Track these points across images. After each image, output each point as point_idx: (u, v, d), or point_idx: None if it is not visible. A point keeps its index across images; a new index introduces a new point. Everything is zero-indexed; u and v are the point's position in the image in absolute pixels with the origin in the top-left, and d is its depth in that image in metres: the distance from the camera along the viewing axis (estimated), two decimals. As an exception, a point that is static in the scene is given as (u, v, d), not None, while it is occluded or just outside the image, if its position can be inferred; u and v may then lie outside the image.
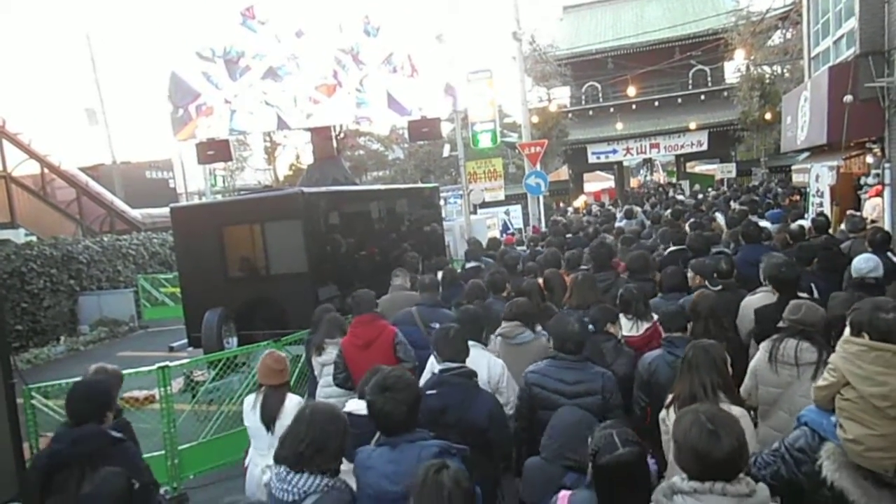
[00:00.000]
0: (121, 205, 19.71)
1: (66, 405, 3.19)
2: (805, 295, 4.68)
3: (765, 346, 3.57)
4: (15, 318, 13.48)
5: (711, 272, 5.11)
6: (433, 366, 3.74)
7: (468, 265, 7.64)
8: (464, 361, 3.44)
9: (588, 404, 3.27)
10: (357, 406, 3.21)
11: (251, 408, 3.97)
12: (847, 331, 2.58)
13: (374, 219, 9.94)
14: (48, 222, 17.19)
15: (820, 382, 2.56)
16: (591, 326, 4.09)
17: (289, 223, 7.96)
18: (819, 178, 10.32)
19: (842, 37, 11.53)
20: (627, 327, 4.49)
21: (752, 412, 3.50)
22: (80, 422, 3.12)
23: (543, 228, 14.41)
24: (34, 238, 15.56)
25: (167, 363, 5.63)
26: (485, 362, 3.88)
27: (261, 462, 3.89)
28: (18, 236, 15.70)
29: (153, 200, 21.33)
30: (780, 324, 3.58)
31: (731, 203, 15.53)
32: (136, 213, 19.78)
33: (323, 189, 9.22)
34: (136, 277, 15.66)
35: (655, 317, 4.45)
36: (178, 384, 7.50)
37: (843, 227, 7.75)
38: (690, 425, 2.05)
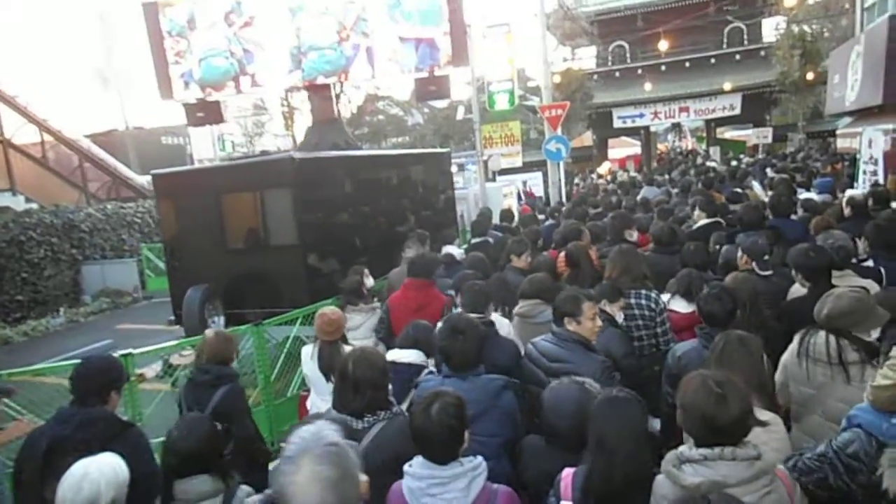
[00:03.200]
0: (125, 171, 19.23)
1: (71, 381, 3.00)
2: (870, 283, 3.87)
3: (796, 338, 3.03)
4: (15, 289, 13.14)
5: (762, 254, 4.25)
6: None
7: (473, 241, 6.85)
8: (486, 313, 3.66)
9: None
10: (398, 355, 3.41)
11: (309, 357, 4.24)
12: None
13: (377, 187, 9.17)
14: (50, 189, 16.78)
15: (880, 381, 2.20)
16: None
17: (279, 191, 7.26)
18: (872, 143, 9.23)
19: (903, -17, 10.36)
20: (682, 304, 4.07)
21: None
22: (82, 399, 2.95)
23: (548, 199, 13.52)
24: (34, 205, 15.14)
25: (131, 350, 5.01)
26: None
27: (322, 406, 4.02)
28: (18, 203, 15.32)
29: (169, 167, 20.81)
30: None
31: (767, 170, 14.41)
32: (142, 180, 19.26)
33: (318, 154, 8.48)
34: (140, 246, 15.20)
35: None
36: (155, 369, 6.96)
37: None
38: (697, 389, 2.00)
